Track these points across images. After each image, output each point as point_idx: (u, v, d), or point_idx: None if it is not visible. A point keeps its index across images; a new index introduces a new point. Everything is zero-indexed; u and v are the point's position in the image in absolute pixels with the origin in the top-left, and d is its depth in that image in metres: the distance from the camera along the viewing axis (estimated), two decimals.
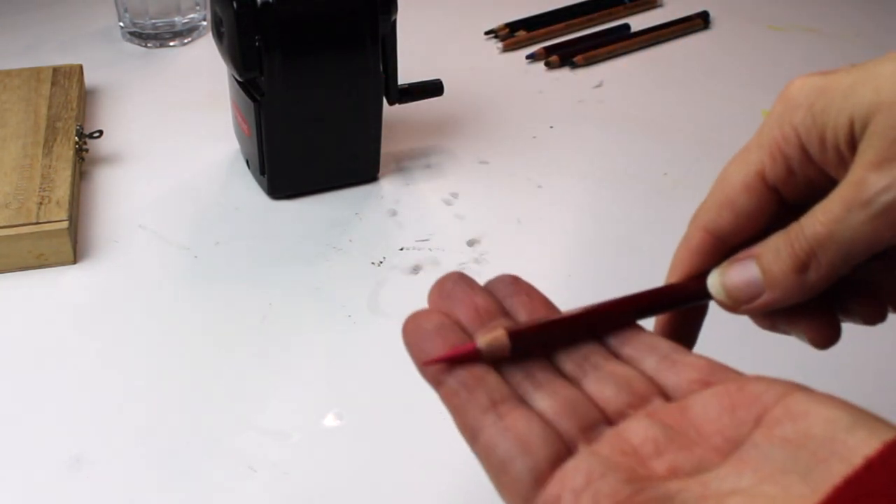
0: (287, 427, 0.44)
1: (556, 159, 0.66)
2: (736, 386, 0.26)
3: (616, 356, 0.29)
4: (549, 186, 0.63)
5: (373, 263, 0.55)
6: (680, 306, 0.32)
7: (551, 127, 0.70)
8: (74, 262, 0.55)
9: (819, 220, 0.28)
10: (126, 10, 0.80)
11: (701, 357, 0.28)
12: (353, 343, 0.50)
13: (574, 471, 0.24)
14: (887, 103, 0.26)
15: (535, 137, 0.69)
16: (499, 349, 0.27)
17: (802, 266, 0.28)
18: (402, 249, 0.56)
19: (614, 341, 0.30)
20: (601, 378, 0.28)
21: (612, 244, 0.58)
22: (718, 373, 0.27)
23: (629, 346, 0.29)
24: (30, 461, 0.42)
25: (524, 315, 0.30)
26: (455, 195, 0.62)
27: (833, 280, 0.29)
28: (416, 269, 0.55)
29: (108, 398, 0.46)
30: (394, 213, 0.60)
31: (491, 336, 0.27)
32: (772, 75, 0.78)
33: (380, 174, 0.63)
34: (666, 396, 0.27)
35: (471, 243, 0.57)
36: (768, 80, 0.78)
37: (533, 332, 0.28)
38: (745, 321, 0.33)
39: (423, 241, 0.57)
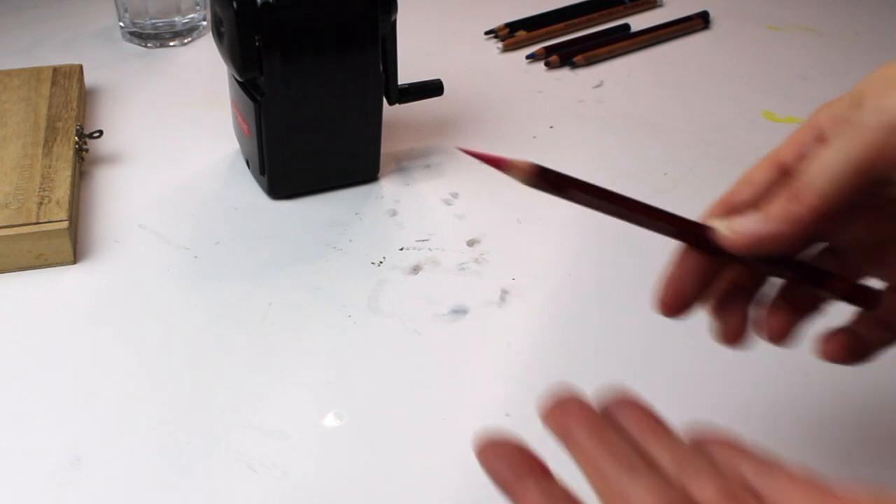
0: (287, 427, 0.44)
1: (556, 159, 0.66)
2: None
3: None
4: None
5: (373, 263, 0.55)
6: (685, 236, 0.35)
7: (551, 127, 0.70)
8: (74, 262, 0.55)
9: (811, 163, 0.32)
10: (126, 10, 0.80)
11: (795, 467, 0.28)
12: (352, 343, 0.50)
13: None
14: None
15: (535, 137, 0.69)
16: (526, 170, 0.31)
17: (796, 197, 0.32)
18: (402, 249, 0.56)
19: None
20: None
21: (612, 244, 0.58)
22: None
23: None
24: (30, 461, 0.42)
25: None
26: (455, 195, 0.62)
27: (826, 214, 0.31)
28: (416, 269, 0.55)
29: (109, 398, 0.46)
30: (394, 213, 0.60)
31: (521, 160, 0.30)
32: (772, 75, 0.78)
33: (380, 174, 0.63)
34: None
35: (471, 243, 0.57)
36: (768, 80, 0.78)
37: (558, 175, 0.32)
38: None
39: (423, 241, 0.57)
